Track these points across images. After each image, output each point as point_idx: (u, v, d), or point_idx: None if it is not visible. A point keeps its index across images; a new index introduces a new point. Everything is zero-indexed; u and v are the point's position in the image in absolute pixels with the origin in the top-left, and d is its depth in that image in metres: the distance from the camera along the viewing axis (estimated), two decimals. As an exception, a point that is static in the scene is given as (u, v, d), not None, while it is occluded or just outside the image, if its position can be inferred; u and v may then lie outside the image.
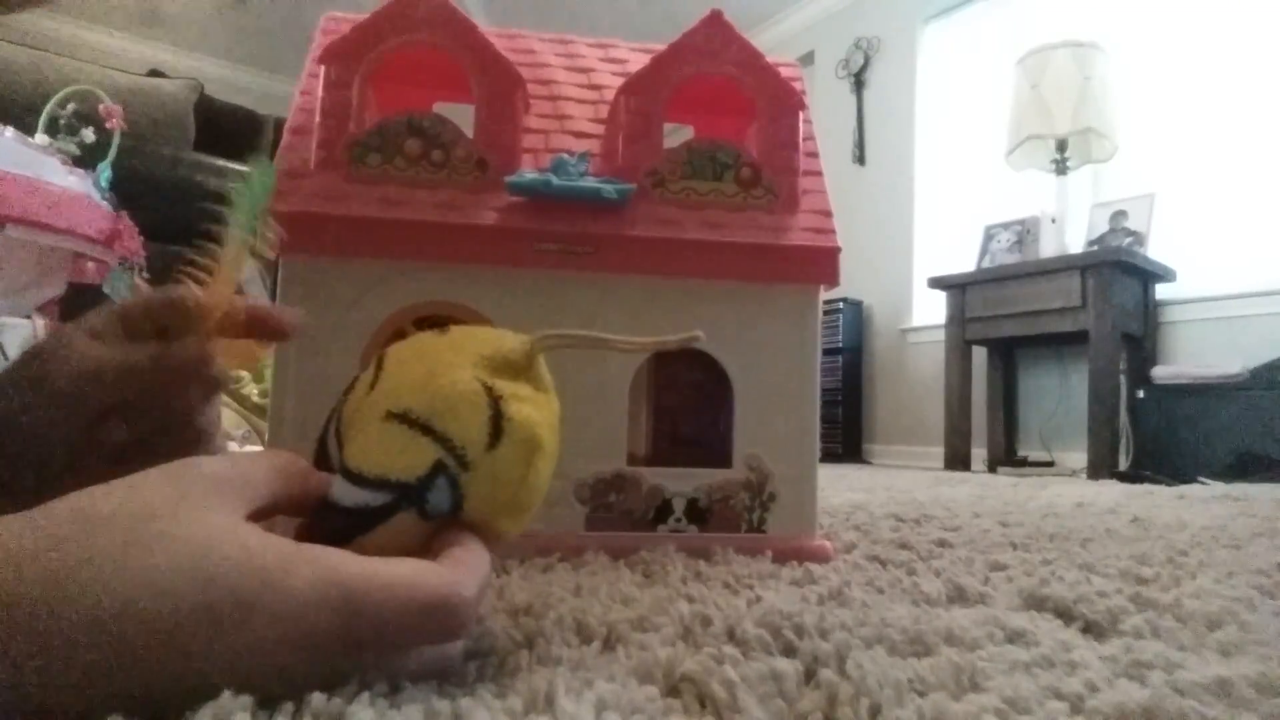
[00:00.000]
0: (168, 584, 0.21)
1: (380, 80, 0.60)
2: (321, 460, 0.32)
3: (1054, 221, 2.43)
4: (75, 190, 1.14)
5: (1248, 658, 0.33)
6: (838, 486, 1.40)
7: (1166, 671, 0.30)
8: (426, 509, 0.27)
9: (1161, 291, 2.38)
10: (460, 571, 0.26)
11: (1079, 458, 2.29)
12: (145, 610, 0.20)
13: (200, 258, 0.36)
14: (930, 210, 3.18)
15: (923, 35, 3.26)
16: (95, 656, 0.20)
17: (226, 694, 0.23)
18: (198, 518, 0.23)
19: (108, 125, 1.36)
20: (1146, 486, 1.62)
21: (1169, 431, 2.09)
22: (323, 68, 0.56)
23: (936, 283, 2.58)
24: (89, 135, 1.32)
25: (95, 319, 0.34)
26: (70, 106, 1.32)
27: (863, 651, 0.30)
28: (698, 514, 0.57)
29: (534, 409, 0.30)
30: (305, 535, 0.27)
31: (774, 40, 3.74)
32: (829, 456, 3.01)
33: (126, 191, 1.33)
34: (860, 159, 3.42)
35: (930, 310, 2.93)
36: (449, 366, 0.29)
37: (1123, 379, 2.23)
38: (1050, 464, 2.54)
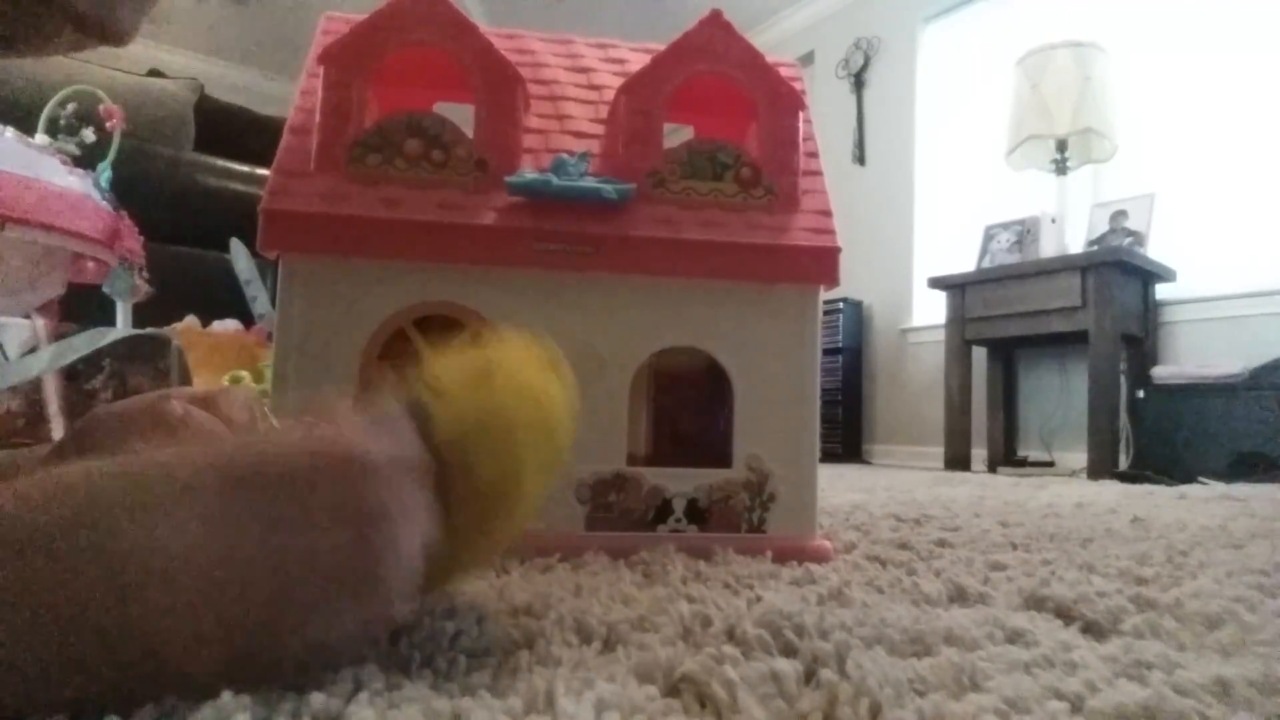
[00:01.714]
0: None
1: (380, 80, 0.60)
2: None
3: (1054, 221, 2.43)
4: (75, 190, 1.14)
5: (1248, 658, 0.33)
6: (838, 486, 1.40)
7: (1166, 671, 0.30)
8: None
9: (1161, 291, 2.38)
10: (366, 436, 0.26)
11: (1079, 458, 2.29)
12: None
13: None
14: (930, 210, 3.18)
15: (923, 35, 3.25)
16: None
17: (227, 694, 0.23)
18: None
19: (108, 125, 1.36)
20: (1146, 486, 1.62)
21: (1169, 431, 2.09)
22: (323, 68, 0.56)
23: (936, 283, 2.58)
24: (89, 135, 1.32)
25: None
26: (70, 106, 1.32)
27: (863, 651, 0.30)
28: (698, 514, 0.57)
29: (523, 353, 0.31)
30: None
31: (774, 40, 3.74)
32: (829, 456, 3.01)
33: (126, 191, 1.33)
34: (860, 159, 3.42)
35: (930, 310, 2.93)
36: None
37: (1123, 379, 2.23)
38: (1050, 464, 2.54)
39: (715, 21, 0.60)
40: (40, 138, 1.24)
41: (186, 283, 1.74)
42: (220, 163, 2.04)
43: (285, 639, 0.24)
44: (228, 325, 1.42)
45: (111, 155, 1.34)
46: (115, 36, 0.35)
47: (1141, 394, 2.18)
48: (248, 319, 1.43)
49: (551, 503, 0.55)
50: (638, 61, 0.67)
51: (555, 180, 0.55)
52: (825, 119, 3.31)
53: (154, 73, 2.30)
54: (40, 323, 1.15)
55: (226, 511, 0.23)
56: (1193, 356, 2.29)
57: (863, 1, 3.47)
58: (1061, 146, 2.40)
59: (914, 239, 3.19)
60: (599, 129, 0.63)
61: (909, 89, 3.26)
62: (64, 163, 1.17)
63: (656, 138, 0.59)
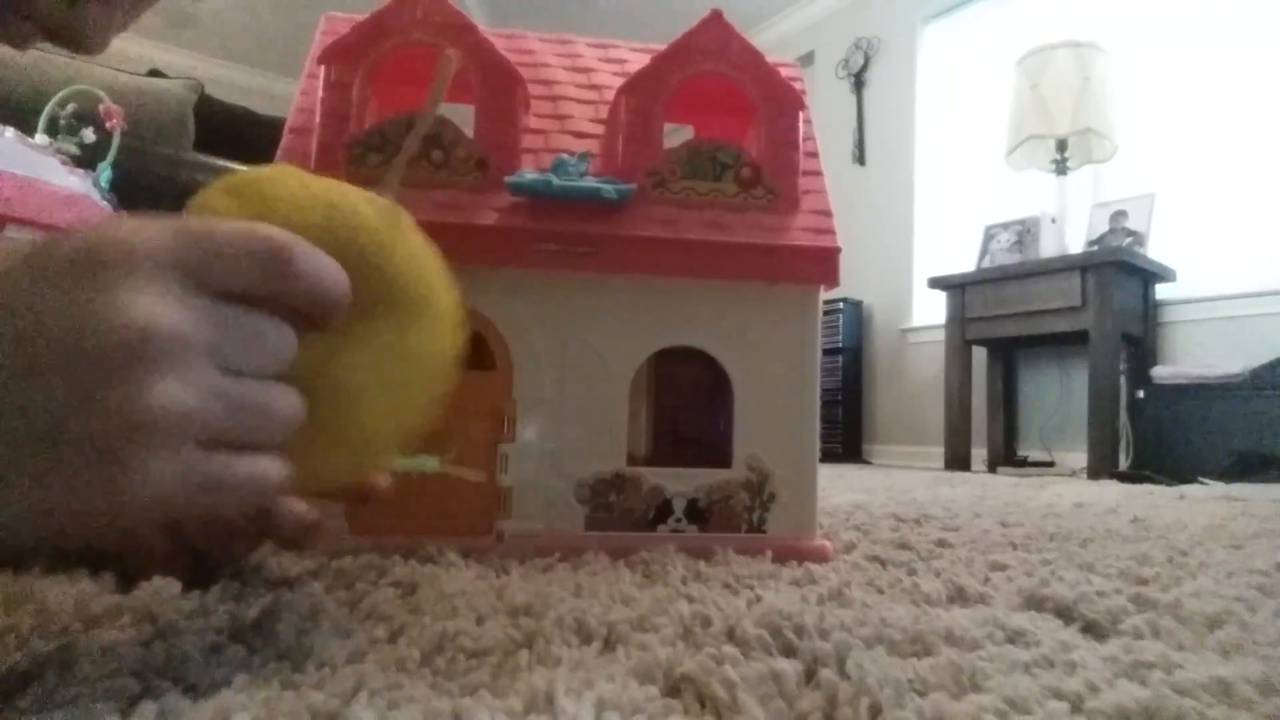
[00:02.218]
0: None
1: (380, 80, 0.60)
2: None
3: (1054, 221, 2.43)
4: (75, 190, 1.14)
5: (1248, 658, 0.33)
6: (838, 486, 1.40)
7: (1166, 671, 0.30)
8: None
9: (1161, 291, 2.38)
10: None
11: (1079, 458, 2.29)
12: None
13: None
14: (930, 210, 3.18)
15: (923, 35, 3.26)
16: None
17: (227, 693, 0.23)
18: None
19: (108, 125, 1.36)
20: (1146, 486, 1.62)
21: (1169, 431, 2.09)
22: (323, 68, 0.56)
23: (936, 283, 2.58)
24: (89, 135, 1.32)
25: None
26: (70, 106, 1.32)
27: (863, 651, 0.30)
28: (698, 514, 0.57)
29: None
30: None
31: (774, 40, 3.74)
32: (829, 456, 3.01)
33: (126, 191, 1.33)
34: (860, 159, 3.42)
35: (930, 310, 2.93)
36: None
37: (1123, 379, 2.23)
38: (1050, 464, 2.54)
39: (715, 21, 0.60)
40: (40, 138, 1.24)
41: (186, 283, 1.73)
42: (220, 163, 2.04)
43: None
44: (228, 325, 1.42)
45: (111, 155, 1.34)
46: (85, 49, 0.36)
47: (1141, 394, 2.19)
48: (248, 319, 1.43)
49: (551, 503, 0.55)
50: (638, 61, 0.67)
51: (555, 180, 0.55)
52: (825, 119, 3.31)
53: (154, 73, 2.30)
54: (40, 323, 1.15)
55: None
56: (1193, 356, 2.29)
57: (863, 1, 3.47)
58: (1061, 146, 2.40)
59: (914, 239, 3.19)
60: (599, 129, 0.63)
61: (909, 89, 3.26)
62: (64, 163, 1.17)
63: (656, 138, 0.59)
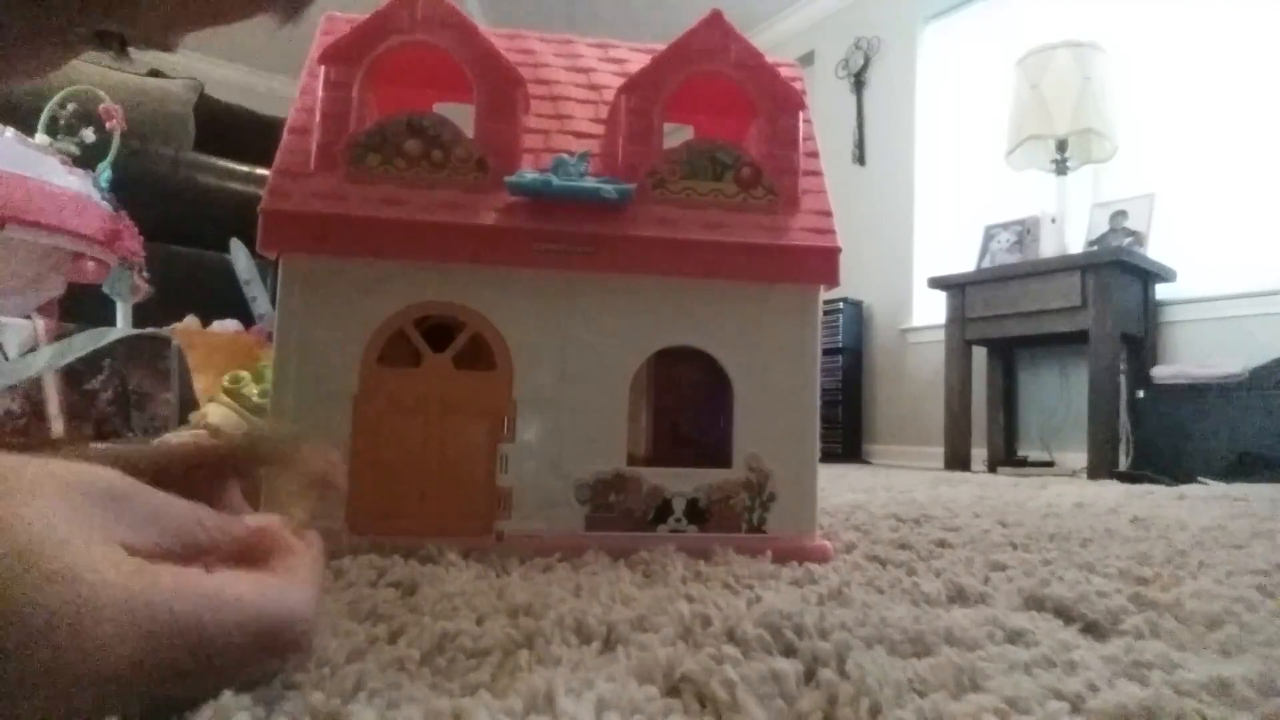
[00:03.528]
0: None
1: (380, 80, 0.60)
2: None
3: (1054, 221, 2.43)
4: (75, 190, 1.14)
5: (1248, 658, 0.33)
6: (838, 486, 1.40)
7: (1166, 671, 0.30)
8: None
9: (1161, 291, 2.38)
10: (299, 588, 0.25)
11: (1079, 458, 2.29)
12: None
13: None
14: (930, 210, 3.18)
15: (923, 35, 3.26)
16: None
17: (227, 694, 0.23)
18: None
19: (108, 125, 1.36)
20: (1146, 486, 1.62)
21: (1169, 431, 2.09)
22: (323, 68, 0.56)
23: (936, 283, 2.58)
24: (89, 135, 1.32)
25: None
26: (70, 106, 1.32)
27: (863, 651, 0.30)
28: (698, 514, 0.57)
29: None
30: None
31: (774, 40, 3.74)
32: (829, 456, 3.01)
33: (126, 191, 1.33)
34: (860, 159, 3.42)
35: (930, 310, 2.93)
36: None
37: (1123, 379, 2.23)
38: (1050, 464, 2.54)
39: (715, 22, 0.60)
40: (40, 138, 1.24)
41: (186, 283, 1.74)
42: (220, 163, 2.04)
43: None
44: (228, 325, 1.42)
45: (111, 155, 1.34)
46: (163, 48, 0.35)
47: (1141, 394, 2.18)
48: (248, 319, 1.43)
49: (551, 503, 0.55)
50: (638, 61, 0.67)
51: (555, 180, 0.55)
52: (825, 119, 3.31)
53: (154, 73, 2.30)
54: (40, 323, 1.15)
55: None
56: (1193, 356, 2.29)
57: (863, 1, 3.47)
58: (1061, 146, 2.40)
59: (914, 239, 3.19)
60: (599, 129, 0.63)
61: (909, 89, 3.26)
62: (64, 163, 1.17)
63: (656, 138, 0.59)
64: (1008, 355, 2.71)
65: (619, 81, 0.62)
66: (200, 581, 0.22)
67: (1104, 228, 2.44)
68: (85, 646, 0.19)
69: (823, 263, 0.59)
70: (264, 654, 0.23)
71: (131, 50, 0.35)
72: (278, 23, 0.34)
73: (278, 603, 0.24)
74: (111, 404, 1.18)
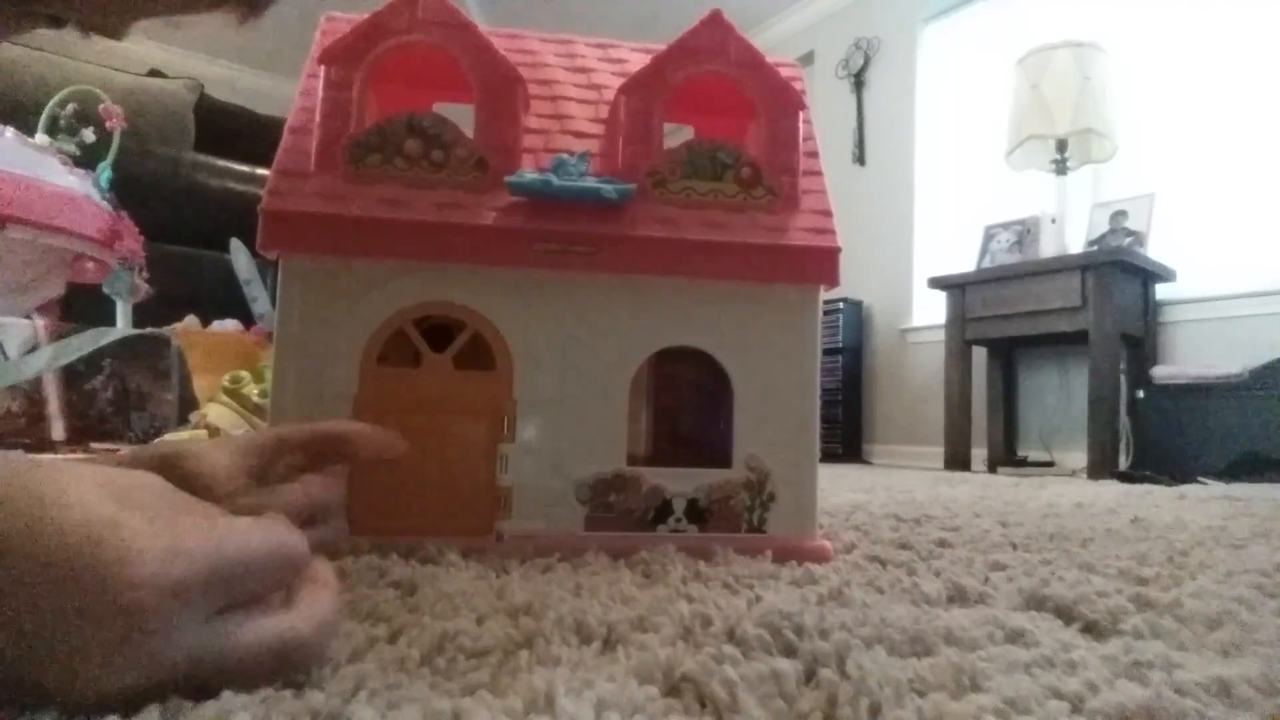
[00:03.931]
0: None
1: (380, 80, 0.60)
2: None
3: (1054, 221, 2.43)
4: (75, 190, 1.14)
5: (1248, 658, 0.33)
6: (838, 486, 1.40)
7: (1166, 671, 0.30)
8: None
9: (1161, 291, 2.38)
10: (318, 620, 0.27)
11: (1079, 458, 2.29)
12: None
13: None
14: (930, 210, 3.18)
15: (923, 35, 3.26)
16: None
17: (228, 693, 0.23)
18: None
19: (108, 125, 1.36)
20: (1146, 486, 1.62)
21: (1169, 431, 2.09)
22: (323, 68, 0.56)
23: (936, 283, 2.58)
24: (89, 135, 1.32)
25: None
26: (70, 106, 1.32)
27: (863, 651, 0.30)
28: (698, 514, 0.57)
29: None
30: None
31: (774, 40, 3.74)
32: (829, 456, 3.01)
33: (126, 191, 1.33)
34: (860, 159, 3.42)
35: (930, 310, 2.93)
36: None
37: (1123, 379, 2.23)
38: (1050, 464, 2.54)
39: (715, 21, 0.60)
40: (40, 138, 1.24)
41: (186, 283, 1.74)
42: (220, 163, 2.04)
43: None
44: (228, 325, 1.42)
45: (111, 155, 1.34)
46: (108, 32, 0.36)
47: (1141, 394, 2.19)
48: (248, 319, 1.43)
49: (551, 503, 0.55)
50: (638, 61, 0.67)
51: (555, 180, 0.55)
52: (825, 119, 3.31)
53: (154, 73, 2.30)
54: (40, 323, 1.15)
55: None
56: (1193, 356, 2.29)
57: (863, 1, 3.47)
58: (1061, 146, 2.40)
59: (914, 239, 3.19)
60: (599, 129, 0.63)
61: (909, 89, 3.26)
62: (64, 163, 1.17)
63: (656, 138, 0.59)
64: (1008, 355, 2.71)
65: (619, 81, 0.62)
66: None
67: (1104, 228, 2.44)
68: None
69: (823, 263, 0.59)
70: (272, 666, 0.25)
71: (94, 35, 0.35)
72: (238, 20, 0.34)
73: (291, 632, 0.26)
74: (111, 404, 1.18)
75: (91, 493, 0.24)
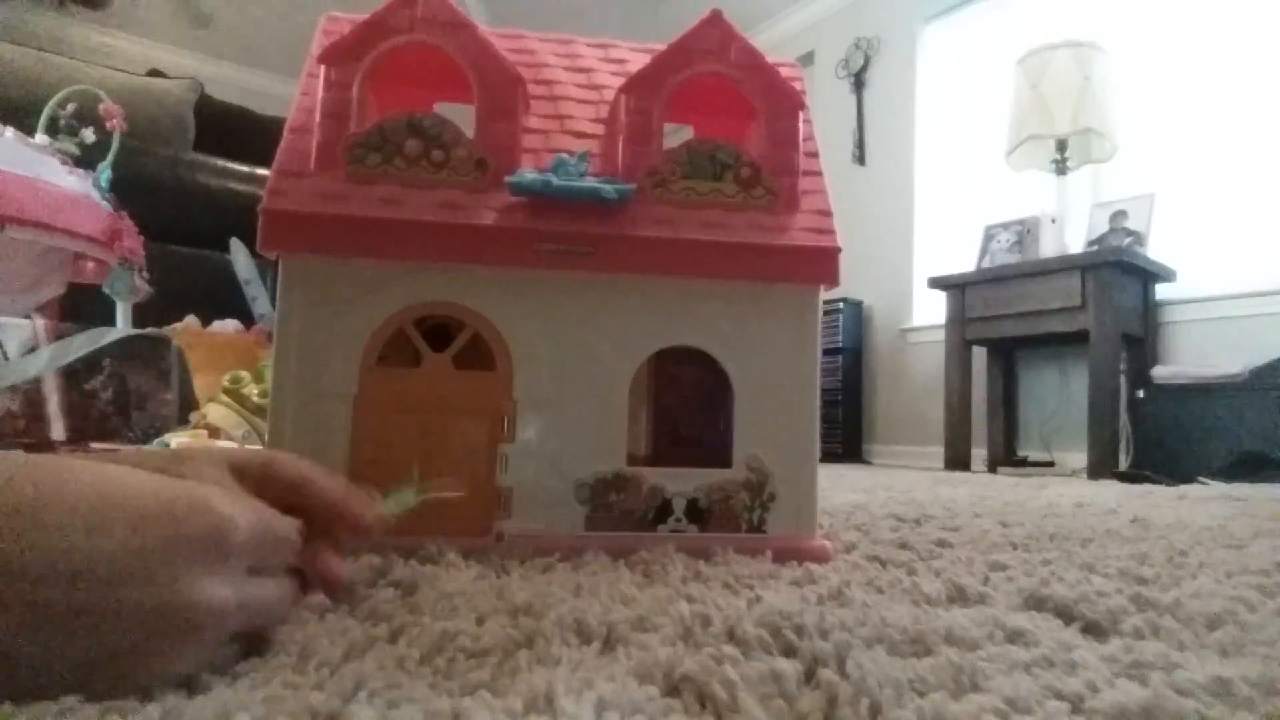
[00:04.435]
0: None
1: (380, 80, 0.60)
2: None
3: (1054, 221, 2.43)
4: (75, 190, 1.14)
5: (1248, 658, 0.33)
6: (838, 486, 1.40)
7: (1166, 671, 0.30)
8: None
9: (1161, 291, 2.38)
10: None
11: (1079, 458, 2.29)
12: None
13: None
14: (930, 210, 3.18)
15: (923, 35, 3.26)
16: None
17: (228, 693, 0.23)
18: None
19: (108, 125, 1.36)
20: (1146, 486, 1.62)
21: (1169, 431, 2.09)
22: (323, 68, 0.56)
23: (936, 283, 2.58)
24: (89, 135, 1.32)
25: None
26: (70, 106, 1.32)
27: (863, 651, 0.30)
28: (698, 514, 0.57)
29: None
30: None
31: (774, 40, 3.74)
32: (829, 456, 3.01)
33: (126, 191, 1.33)
34: (860, 159, 3.42)
35: (930, 310, 2.93)
36: None
37: (1123, 379, 2.23)
38: (1050, 464, 2.54)
39: (715, 22, 0.60)
40: (40, 138, 1.24)
41: (186, 283, 1.74)
42: (220, 163, 2.04)
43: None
44: (228, 325, 1.42)
45: (111, 155, 1.34)
46: (97, 3, 0.36)
47: (1141, 394, 2.19)
48: (248, 319, 1.43)
49: (551, 503, 0.55)
50: (638, 61, 0.67)
51: (555, 180, 0.55)
52: (825, 119, 3.31)
53: (154, 73, 2.30)
54: (40, 323, 1.15)
55: None
56: (1193, 356, 2.29)
57: (863, 1, 3.47)
58: (1061, 146, 2.40)
59: (914, 239, 3.19)
60: (599, 129, 0.63)
61: (909, 89, 3.26)
62: (64, 163, 1.17)
63: (656, 138, 0.59)
64: (1008, 355, 2.71)
65: (619, 81, 0.62)
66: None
67: (1104, 228, 2.44)
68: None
69: (823, 263, 0.59)
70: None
71: (71, 6, 0.36)
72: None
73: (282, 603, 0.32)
74: (111, 404, 1.18)
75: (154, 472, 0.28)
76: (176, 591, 0.25)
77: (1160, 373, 2.18)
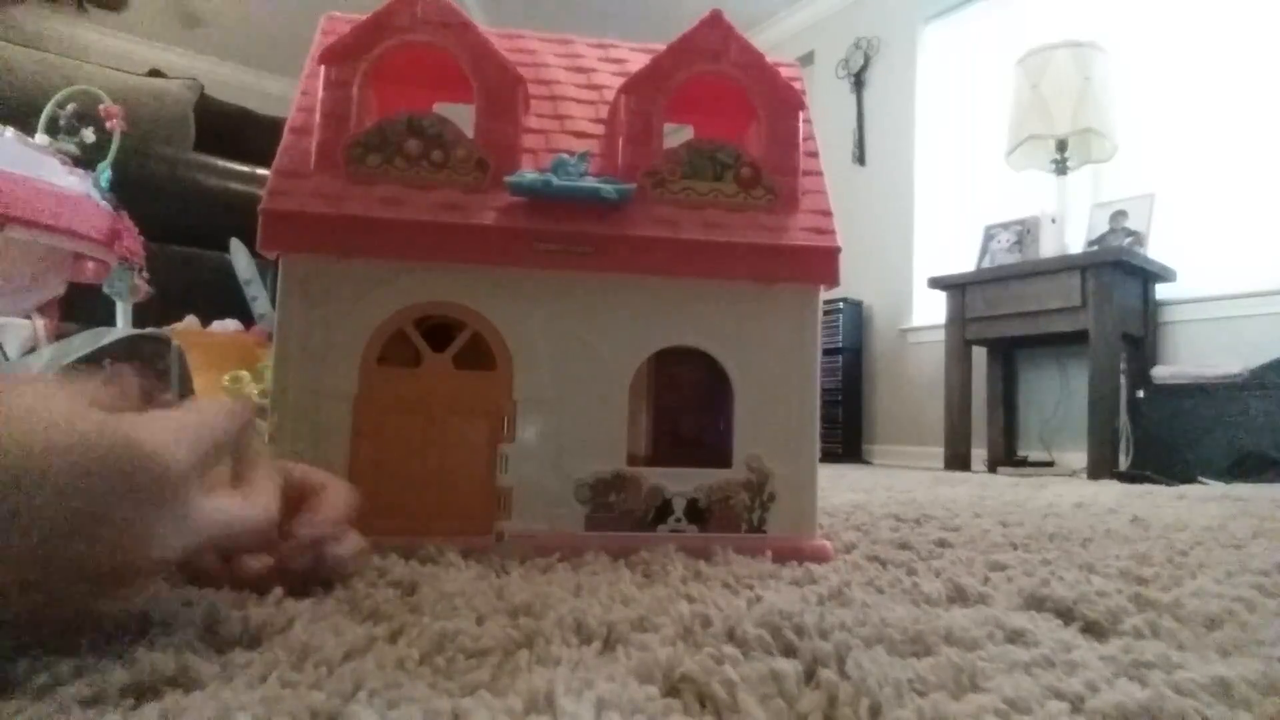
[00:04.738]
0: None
1: (380, 80, 0.60)
2: None
3: (1054, 221, 2.43)
4: (75, 190, 1.14)
5: (1248, 658, 0.33)
6: (838, 486, 1.40)
7: (1166, 671, 0.30)
8: None
9: (1161, 291, 2.38)
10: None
11: (1079, 458, 2.29)
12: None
13: None
14: (930, 210, 3.18)
15: (923, 35, 3.26)
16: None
17: (227, 693, 0.23)
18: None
19: (108, 125, 1.36)
20: (1146, 486, 1.62)
21: (1169, 431, 2.09)
22: (323, 68, 0.56)
23: (936, 283, 2.58)
24: (89, 135, 1.32)
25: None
26: (70, 106, 1.32)
27: (863, 651, 0.30)
28: (698, 514, 0.57)
29: None
30: None
31: (774, 40, 3.74)
32: (829, 456, 3.01)
33: (126, 191, 1.33)
34: (860, 159, 3.42)
35: (930, 310, 2.93)
36: None
37: (1123, 379, 2.23)
38: (1050, 464, 2.54)
39: (715, 22, 0.60)
40: (40, 138, 1.24)
41: (186, 283, 1.74)
42: (220, 163, 2.04)
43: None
44: (228, 325, 1.42)
45: (111, 155, 1.34)
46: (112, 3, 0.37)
47: (1141, 394, 2.18)
48: (248, 319, 1.43)
49: (551, 503, 0.55)
50: (638, 61, 0.67)
51: (555, 180, 0.55)
52: (825, 119, 3.31)
53: (154, 73, 2.30)
54: (40, 323, 1.15)
55: None
56: (1193, 356, 2.29)
57: (863, 1, 3.47)
58: (1061, 146, 2.40)
59: (914, 239, 3.19)
60: (599, 129, 0.63)
61: (909, 89, 3.26)
62: (64, 163, 1.17)
63: (656, 138, 0.59)
64: (1008, 355, 2.71)
65: (619, 81, 0.62)
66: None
67: (1104, 228, 2.44)
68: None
69: (823, 263, 0.59)
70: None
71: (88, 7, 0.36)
72: None
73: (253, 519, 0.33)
74: (111, 404, 1.17)
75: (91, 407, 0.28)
76: (121, 548, 0.26)
77: (1160, 373, 2.18)
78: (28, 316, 1.19)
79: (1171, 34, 2.52)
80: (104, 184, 1.27)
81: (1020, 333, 2.37)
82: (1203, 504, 1.14)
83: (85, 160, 1.26)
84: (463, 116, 0.57)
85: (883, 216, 3.25)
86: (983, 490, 1.37)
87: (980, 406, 2.63)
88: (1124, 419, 2.22)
